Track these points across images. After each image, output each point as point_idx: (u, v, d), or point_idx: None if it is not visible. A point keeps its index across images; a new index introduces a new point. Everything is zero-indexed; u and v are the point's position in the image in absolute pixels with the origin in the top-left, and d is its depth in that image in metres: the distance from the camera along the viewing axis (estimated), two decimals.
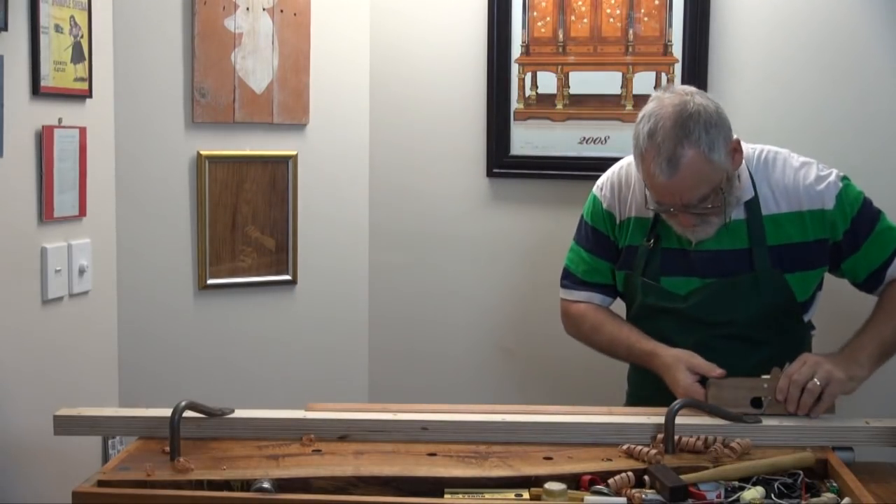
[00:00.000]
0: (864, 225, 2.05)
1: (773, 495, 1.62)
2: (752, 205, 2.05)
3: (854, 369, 1.94)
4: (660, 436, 1.81)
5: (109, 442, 2.48)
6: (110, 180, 2.56)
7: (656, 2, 2.80)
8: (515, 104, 2.90)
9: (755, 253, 2.05)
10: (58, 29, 2.26)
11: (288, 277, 2.87)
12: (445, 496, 1.63)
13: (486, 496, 1.63)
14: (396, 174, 3.01)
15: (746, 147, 2.09)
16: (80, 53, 2.35)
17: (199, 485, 1.65)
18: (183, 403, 1.76)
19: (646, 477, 1.66)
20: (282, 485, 1.63)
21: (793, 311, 2.10)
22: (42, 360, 2.27)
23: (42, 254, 2.26)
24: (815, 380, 1.88)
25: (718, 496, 1.61)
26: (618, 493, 1.62)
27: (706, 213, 1.99)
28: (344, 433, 1.86)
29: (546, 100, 2.88)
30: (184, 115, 2.68)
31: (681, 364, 2.00)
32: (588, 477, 1.67)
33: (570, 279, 2.29)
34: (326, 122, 2.89)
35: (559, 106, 2.88)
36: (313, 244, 2.90)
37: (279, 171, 2.83)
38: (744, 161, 2.05)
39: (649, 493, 1.60)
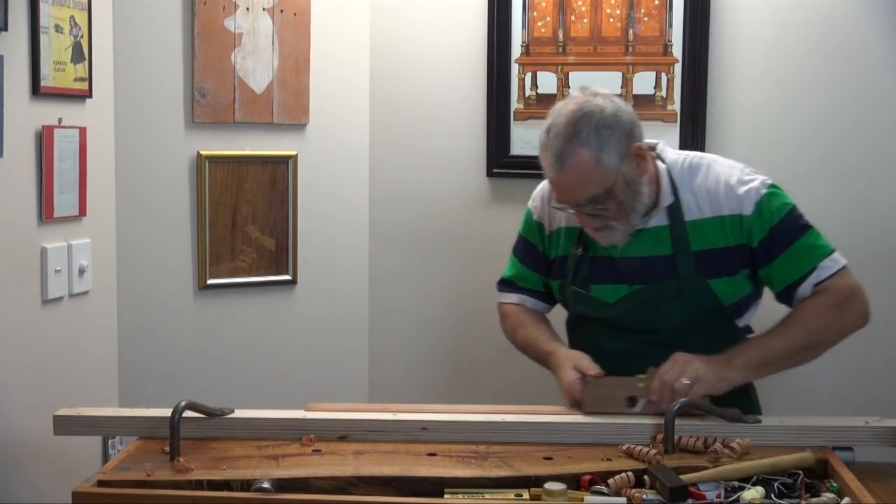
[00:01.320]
0: (783, 237, 2.00)
1: (773, 495, 1.62)
2: (674, 210, 2.04)
3: (726, 371, 1.92)
4: (660, 436, 1.81)
5: (109, 442, 2.48)
6: (110, 180, 2.56)
7: (656, 2, 2.80)
8: (515, 104, 2.90)
9: (679, 259, 2.03)
10: (58, 29, 2.26)
11: (288, 277, 2.87)
12: (445, 496, 1.63)
13: (486, 496, 1.63)
14: (396, 174, 3.01)
15: (672, 153, 2.09)
16: (80, 53, 2.35)
17: (199, 485, 1.65)
18: (183, 403, 1.76)
19: (646, 477, 1.66)
20: (282, 485, 1.63)
21: (722, 317, 2.07)
22: (42, 360, 2.27)
23: (42, 254, 2.26)
24: (684, 379, 1.88)
25: (718, 496, 1.61)
26: (618, 493, 1.62)
27: (600, 216, 1.99)
28: (344, 433, 1.86)
29: (546, 100, 2.87)
30: (184, 115, 2.68)
31: (568, 363, 2.02)
32: (588, 477, 1.67)
33: (503, 283, 2.31)
34: (326, 122, 2.89)
35: None
36: (313, 244, 2.90)
37: (279, 171, 2.83)
38: (664, 167, 2.05)
39: (649, 493, 1.60)
